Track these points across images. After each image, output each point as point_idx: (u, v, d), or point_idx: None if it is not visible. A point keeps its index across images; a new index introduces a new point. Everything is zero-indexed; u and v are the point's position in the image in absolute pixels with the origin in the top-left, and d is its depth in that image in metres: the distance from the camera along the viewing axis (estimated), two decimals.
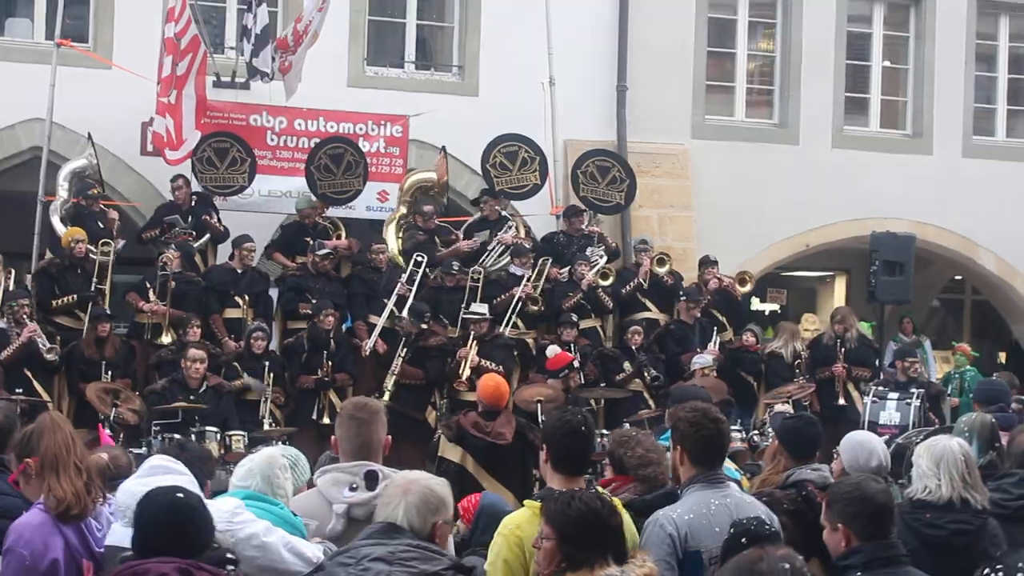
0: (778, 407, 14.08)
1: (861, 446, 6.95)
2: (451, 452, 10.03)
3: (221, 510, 5.05)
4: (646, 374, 15.04)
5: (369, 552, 4.30)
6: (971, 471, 6.22)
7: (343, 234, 15.92)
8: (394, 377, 14.36)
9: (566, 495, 4.88)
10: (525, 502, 5.57)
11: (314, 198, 15.80)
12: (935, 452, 6.25)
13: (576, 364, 14.51)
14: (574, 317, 15.14)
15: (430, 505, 4.52)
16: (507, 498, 9.16)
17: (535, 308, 15.28)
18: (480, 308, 14.88)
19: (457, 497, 5.53)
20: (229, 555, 4.55)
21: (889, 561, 4.98)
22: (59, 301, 14.34)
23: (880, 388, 15.02)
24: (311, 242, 15.30)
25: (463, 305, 15.09)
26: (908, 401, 14.57)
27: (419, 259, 15.14)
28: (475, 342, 14.55)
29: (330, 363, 14.26)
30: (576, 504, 4.75)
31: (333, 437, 5.64)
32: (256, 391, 13.93)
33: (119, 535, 5.06)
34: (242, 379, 13.93)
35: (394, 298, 14.88)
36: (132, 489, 4.97)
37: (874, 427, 13.67)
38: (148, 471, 5.16)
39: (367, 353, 14.73)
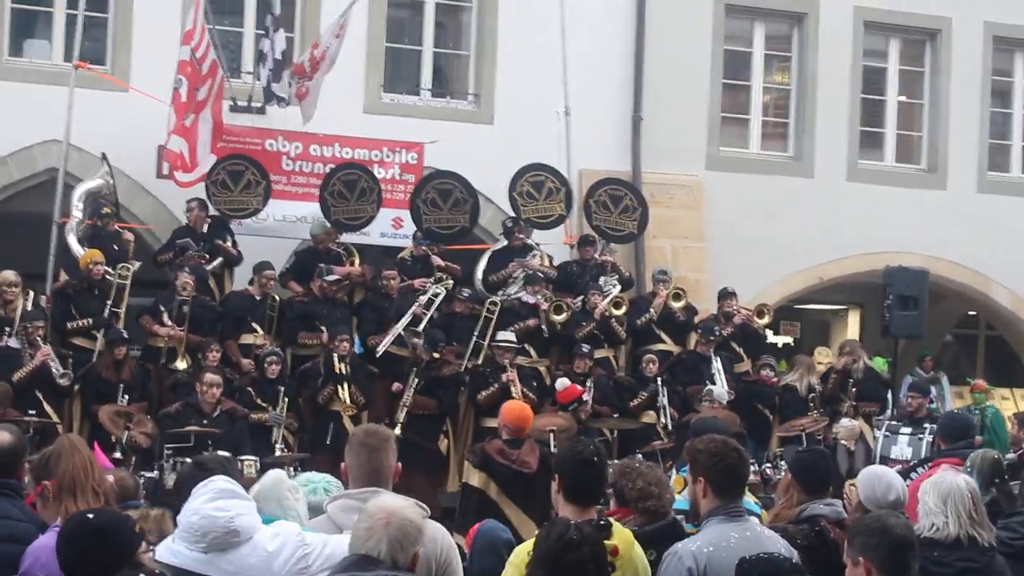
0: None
1: (879, 479, 6.91)
2: (475, 478, 10.09)
3: (292, 535, 5.11)
4: (661, 397, 15.01)
5: None
6: (978, 508, 6.18)
7: (357, 260, 15.90)
8: (405, 409, 14.34)
9: (552, 525, 4.91)
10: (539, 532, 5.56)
11: (328, 224, 15.81)
12: (942, 489, 6.22)
13: (586, 397, 14.50)
14: (585, 348, 15.12)
15: (410, 537, 4.47)
16: (530, 527, 9.23)
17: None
18: (509, 336, 14.89)
19: (476, 522, 5.53)
20: (157, 572, 4.58)
21: None
22: (75, 324, 14.33)
23: (892, 423, 14.99)
24: (321, 267, 15.30)
25: (476, 334, 15.09)
26: (920, 436, 14.52)
27: (438, 290, 15.16)
28: (514, 370, 14.59)
29: (346, 384, 14.26)
30: (553, 533, 4.78)
31: (343, 464, 5.63)
32: (272, 422, 13.94)
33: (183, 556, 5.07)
34: (265, 415, 13.94)
35: (408, 317, 14.87)
36: (204, 511, 4.96)
37: (885, 462, 13.64)
38: (219, 493, 5.10)
39: (380, 352, 14.83)
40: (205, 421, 13.13)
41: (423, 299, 15.06)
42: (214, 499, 5.06)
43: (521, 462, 10.11)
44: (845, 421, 15.26)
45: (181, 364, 14.40)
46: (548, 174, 16.41)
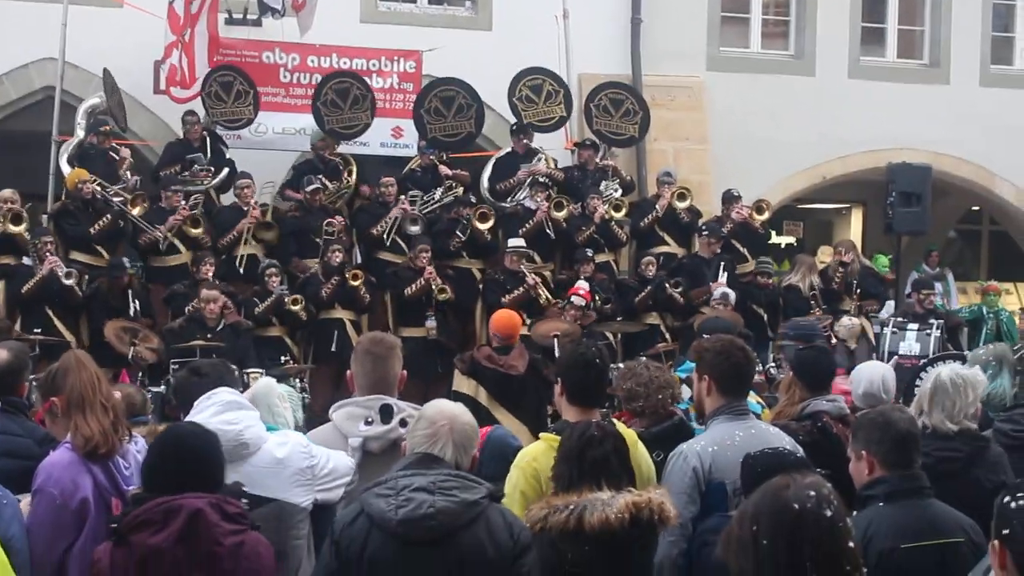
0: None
1: (870, 373, 6.95)
2: (465, 386, 10.38)
3: (299, 445, 5.18)
4: (668, 286, 15.05)
5: (409, 483, 4.33)
6: (958, 400, 6.16)
7: (354, 170, 15.86)
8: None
9: (574, 424, 5.01)
10: (541, 435, 5.60)
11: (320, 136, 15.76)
12: (928, 381, 6.26)
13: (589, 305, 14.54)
14: (589, 252, 15.13)
15: (471, 441, 4.59)
16: (521, 431, 9.39)
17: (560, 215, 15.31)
18: (519, 241, 14.94)
19: None
20: (244, 488, 4.61)
21: (912, 492, 4.95)
22: (95, 227, 14.25)
23: (899, 319, 15.04)
24: (307, 178, 15.22)
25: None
26: (928, 332, 14.60)
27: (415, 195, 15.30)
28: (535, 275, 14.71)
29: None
30: (576, 431, 4.90)
31: (349, 372, 5.66)
32: (277, 294, 14.03)
33: None
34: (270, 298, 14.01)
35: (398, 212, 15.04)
36: (212, 424, 4.97)
37: (894, 357, 13.73)
38: (225, 406, 5.14)
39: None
40: (209, 335, 13.18)
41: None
42: (221, 412, 5.11)
43: (508, 365, 10.41)
44: (845, 320, 15.28)
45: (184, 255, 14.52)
46: (545, 77, 16.30)
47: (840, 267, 15.92)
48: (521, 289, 14.59)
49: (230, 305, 13.63)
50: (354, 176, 15.80)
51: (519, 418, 10.24)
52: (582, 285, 14.38)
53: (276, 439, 5.18)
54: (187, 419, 5.11)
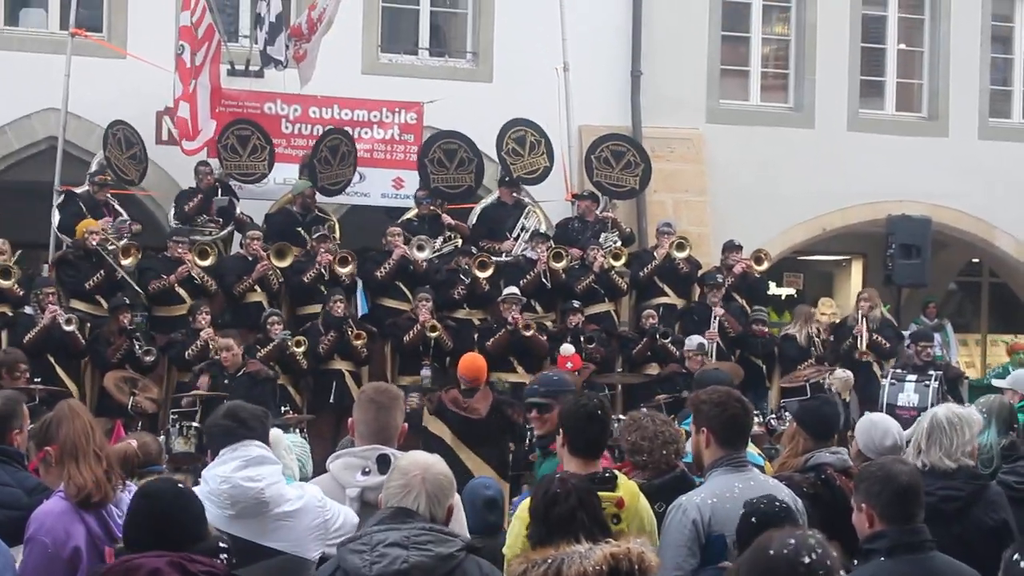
0: None
1: (875, 426, 6.89)
2: (433, 425, 11.16)
3: (314, 500, 5.16)
4: (659, 337, 15.03)
5: (383, 538, 4.31)
6: (955, 438, 6.15)
7: (335, 225, 15.88)
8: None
9: (544, 480, 4.96)
10: None
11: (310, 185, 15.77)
12: (925, 420, 6.31)
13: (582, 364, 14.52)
14: (576, 304, 15.15)
15: (445, 491, 4.55)
16: (484, 470, 9.92)
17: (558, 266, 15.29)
18: (513, 290, 14.96)
19: None
20: (221, 544, 4.51)
21: (914, 547, 4.88)
22: (91, 282, 14.31)
23: (899, 371, 15.05)
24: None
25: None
26: (926, 383, 14.59)
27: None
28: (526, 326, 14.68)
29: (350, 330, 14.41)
30: (539, 490, 4.84)
31: (350, 420, 5.64)
32: (280, 339, 14.00)
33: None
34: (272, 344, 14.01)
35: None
36: (234, 480, 4.97)
37: (892, 409, 13.71)
38: (249, 461, 5.07)
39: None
40: (227, 381, 13.21)
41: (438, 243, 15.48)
42: (244, 467, 5.06)
43: (471, 408, 11.03)
44: (839, 372, 15.27)
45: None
46: (527, 128, 16.36)
47: (862, 318, 15.95)
48: (503, 330, 14.58)
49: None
50: (337, 233, 15.80)
51: (483, 458, 10.76)
52: (566, 351, 14.35)
53: (293, 491, 5.15)
54: (210, 466, 5.10)
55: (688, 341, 14.90)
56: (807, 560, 3.15)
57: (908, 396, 14.62)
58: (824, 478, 6.38)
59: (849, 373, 15.32)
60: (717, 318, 15.48)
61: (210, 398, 12.77)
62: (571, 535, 4.62)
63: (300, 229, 15.49)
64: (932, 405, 13.77)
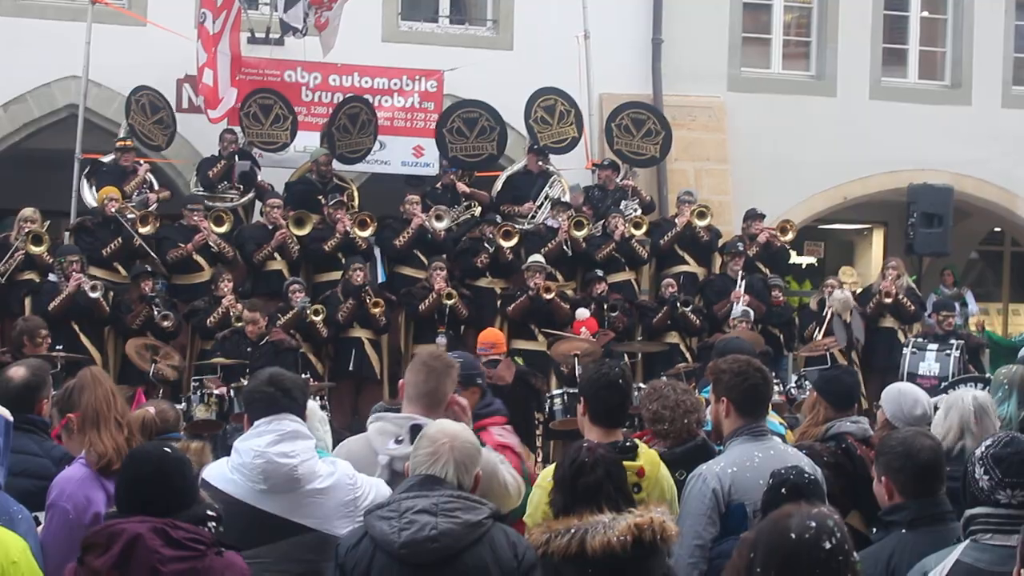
0: None
1: (904, 395, 6.84)
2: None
3: (346, 476, 5.07)
4: (679, 306, 14.99)
5: (412, 505, 4.32)
6: (979, 422, 6.14)
7: (354, 192, 15.91)
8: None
9: (567, 449, 4.95)
10: None
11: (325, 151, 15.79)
12: (948, 402, 6.27)
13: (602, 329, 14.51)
14: (599, 272, 15.14)
15: (473, 459, 4.54)
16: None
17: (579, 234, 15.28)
18: (538, 257, 14.94)
19: None
20: (210, 512, 4.42)
21: (935, 519, 4.87)
22: (107, 249, 14.32)
23: (919, 340, 15.02)
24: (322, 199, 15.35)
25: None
26: (948, 352, 14.57)
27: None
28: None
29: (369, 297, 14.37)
30: (567, 458, 4.84)
31: (401, 380, 5.59)
32: (299, 306, 13.97)
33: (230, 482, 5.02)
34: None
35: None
36: (268, 455, 4.91)
37: (913, 378, 13.70)
38: (284, 436, 4.97)
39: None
40: (249, 349, 13.26)
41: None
42: (278, 442, 4.97)
43: (497, 377, 11.08)
44: (838, 293, 15.19)
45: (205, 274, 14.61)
46: (558, 97, 16.37)
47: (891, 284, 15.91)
48: (524, 297, 14.61)
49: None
50: (356, 201, 15.82)
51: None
52: (581, 315, 14.35)
53: (324, 468, 5.05)
54: (244, 436, 5.03)
55: (734, 309, 14.87)
56: (827, 545, 3.13)
57: (929, 365, 14.62)
58: (845, 447, 6.37)
59: (847, 294, 15.27)
60: (743, 279, 15.43)
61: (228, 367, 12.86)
62: (595, 505, 4.63)
63: (320, 197, 15.48)
64: (953, 375, 13.82)
